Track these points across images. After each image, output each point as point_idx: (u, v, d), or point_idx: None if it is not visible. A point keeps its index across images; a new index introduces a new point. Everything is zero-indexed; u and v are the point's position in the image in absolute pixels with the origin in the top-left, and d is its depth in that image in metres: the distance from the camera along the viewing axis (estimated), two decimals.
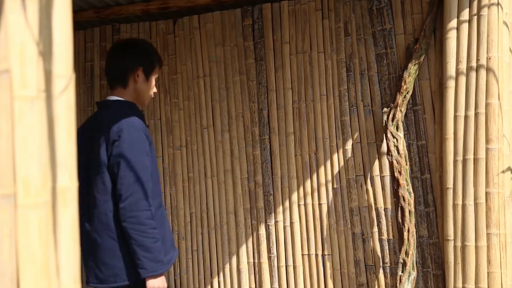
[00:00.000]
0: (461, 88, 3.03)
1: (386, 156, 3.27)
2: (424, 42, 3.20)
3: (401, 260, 3.14)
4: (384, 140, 3.28)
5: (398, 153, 3.21)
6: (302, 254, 3.53)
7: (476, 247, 2.95)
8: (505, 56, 3.00)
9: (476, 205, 2.96)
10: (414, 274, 3.13)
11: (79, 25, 4.20)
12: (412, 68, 3.20)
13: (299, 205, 3.56)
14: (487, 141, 2.94)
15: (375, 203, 3.32)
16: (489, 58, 2.95)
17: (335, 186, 3.44)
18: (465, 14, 3.04)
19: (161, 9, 3.77)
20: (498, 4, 2.95)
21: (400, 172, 3.20)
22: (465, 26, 3.04)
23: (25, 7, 0.87)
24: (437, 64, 3.22)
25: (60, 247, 0.92)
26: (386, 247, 3.29)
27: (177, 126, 3.98)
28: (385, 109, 3.30)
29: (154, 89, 2.31)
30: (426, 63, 3.25)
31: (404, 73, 3.21)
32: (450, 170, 3.04)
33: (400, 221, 3.18)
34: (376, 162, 3.34)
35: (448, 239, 3.05)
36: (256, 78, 3.71)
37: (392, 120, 3.22)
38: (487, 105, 2.94)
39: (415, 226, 3.18)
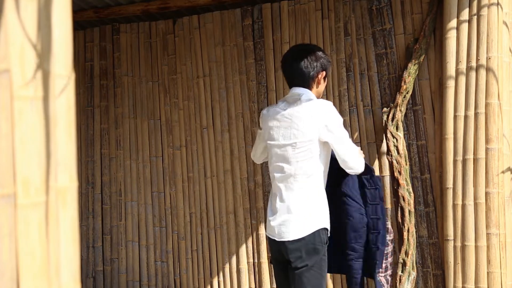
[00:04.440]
0: (461, 88, 3.03)
1: (386, 156, 3.27)
2: (424, 42, 3.20)
3: (401, 260, 3.14)
4: (384, 140, 3.28)
5: (398, 153, 3.21)
6: None
7: (476, 247, 2.95)
8: (505, 56, 3.00)
9: (476, 205, 2.96)
10: (414, 274, 3.13)
11: (79, 25, 4.20)
12: (412, 68, 3.20)
13: None
14: (487, 141, 2.94)
15: None
16: (489, 58, 2.95)
17: None
18: (465, 14, 3.04)
19: (161, 9, 3.77)
20: (498, 4, 2.95)
21: (400, 172, 3.19)
22: (465, 26, 3.04)
23: (25, 7, 0.87)
24: (437, 64, 3.22)
25: (59, 247, 0.92)
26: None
27: (177, 126, 3.97)
28: (385, 109, 3.30)
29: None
30: (426, 63, 3.25)
31: (404, 73, 3.21)
32: (450, 170, 3.04)
33: (400, 221, 3.18)
34: (376, 162, 3.34)
35: (448, 239, 3.05)
36: (256, 78, 3.71)
37: (392, 120, 3.22)
38: (487, 105, 2.94)
39: (415, 226, 3.18)
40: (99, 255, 4.12)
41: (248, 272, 3.68)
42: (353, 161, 2.43)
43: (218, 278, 3.79)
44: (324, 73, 2.51)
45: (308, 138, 2.37)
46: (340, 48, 3.47)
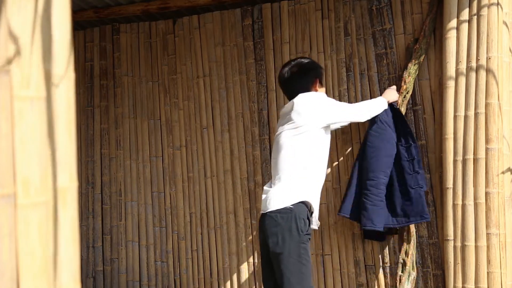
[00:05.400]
0: (461, 88, 3.03)
1: None
2: (424, 42, 3.19)
3: (401, 260, 3.14)
4: None
5: None
6: None
7: (476, 247, 2.95)
8: (505, 56, 3.00)
9: (476, 205, 2.96)
10: (414, 274, 3.13)
11: (79, 25, 4.20)
12: (412, 68, 3.20)
13: None
14: (487, 141, 2.94)
15: None
16: (489, 58, 2.95)
17: (335, 186, 3.44)
18: (465, 14, 3.04)
19: (161, 9, 3.77)
20: (498, 4, 2.95)
21: None
22: (465, 26, 3.04)
23: (25, 7, 0.87)
24: (437, 64, 3.22)
25: (60, 247, 0.92)
26: (386, 247, 3.29)
27: (177, 126, 3.97)
28: None
29: None
30: (426, 63, 3.25)
31: (404, 73, 3.21)
32: (450, 170, 3.04)
33: None
34: None
35: (448, 239, 3.05)
36: (256, 78, 3.71)
37: None
38: (486, 105, 2.94)
39: (415, 226, 3.18)
40: (99, 255, 4.12)
41: (248, 272, 3.68)
42: (358, 118, 2.88)
43: (218, 278, 3.79)
44: (317, 80, 2.74)
45: (299, 124, 2.58)
46: (340, 48, 3.47)
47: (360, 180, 3.11)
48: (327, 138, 2.73)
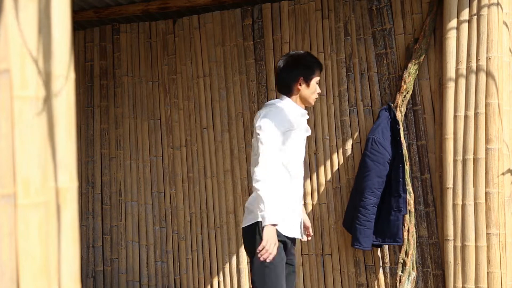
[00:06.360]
0: (461, 88, 3.03)
1: None
2: (424, 42, 3.19)
3: (401, 260, 3.14)
4: None
5: None
6: (302, 254, 3.53)
7: (476, 247, 2.95)
8: (505, 56, 3.00)
9: (476, 205, 2.96)
10: (414, 274, 3.13)
11: (79, 25, 4.20)
12: (412, 68, 3.20)
13: None
14: (487, 141, 2.94)
15: None
16: (489, 58, 2.95)
17: (335, 186, 3.44)
18: (465, 14, 3.04)
19: (161, 9, 3.77)
20: (498, 4, 2.95)
21: None
22: (465, 26, 3.04)
23: (24, 7, 0.87)
24: (437, 64, 3.22)
25: (60, 247, 0.92)
26: (386, 247, 3.29)
27: (177, 126, 3.97)
28: None
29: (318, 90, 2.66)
30: (426, 63, 3.25)
31: (404, 73, 3.21)
32: (450, 170, 3.04)
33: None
34: None
35: (448, 239, 3.05)
36: (256, 78, 3.71)
37: None
38: (486, 105, 2.94)
39: (415, 226, 3.18)
40: (99, 255, 4.12)
41: (248, 272, 3.68)
42: (255, 160, 2.44)
43: (218, 278, 3.79)
44: (301, 78, 2.55)
45: (253, 137, 2.53)
46: (340, 48, 3.47)
47: (352, 197, 3.27)
48: (287, 153, 2.51)
